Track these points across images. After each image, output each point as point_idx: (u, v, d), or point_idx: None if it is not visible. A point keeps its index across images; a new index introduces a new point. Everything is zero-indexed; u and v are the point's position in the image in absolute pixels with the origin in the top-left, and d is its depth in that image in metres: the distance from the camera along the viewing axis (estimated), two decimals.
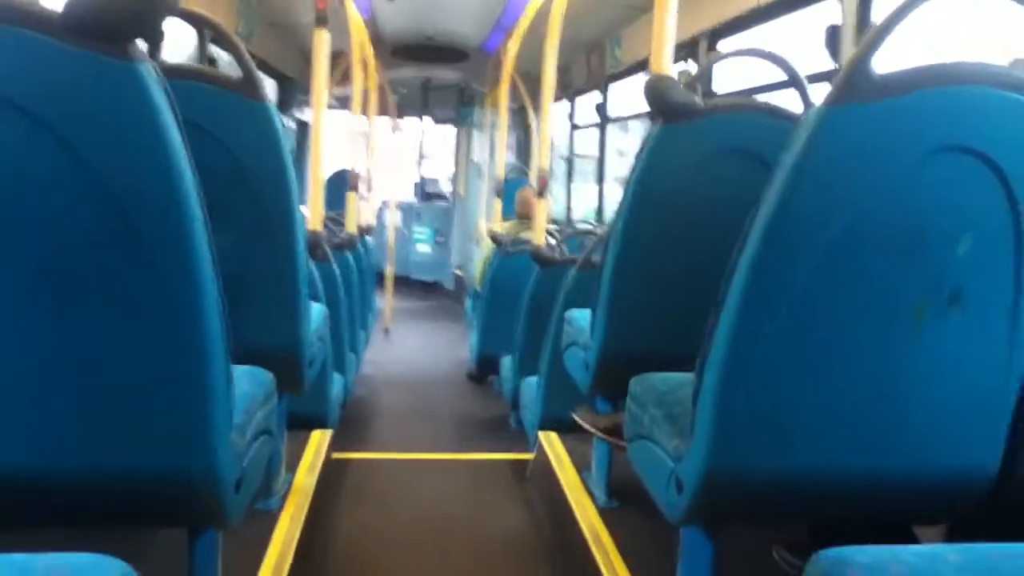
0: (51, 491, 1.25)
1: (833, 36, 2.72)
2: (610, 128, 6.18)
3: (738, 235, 1.29)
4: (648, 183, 1.98)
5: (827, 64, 2.83)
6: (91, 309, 1.16)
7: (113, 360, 1.18)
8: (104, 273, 1.14)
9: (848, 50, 2.65)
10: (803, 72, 2.02)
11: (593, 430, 2.32)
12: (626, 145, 6.50)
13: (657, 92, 1.92)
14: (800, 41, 2.98)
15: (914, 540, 1.69)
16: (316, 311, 2.47)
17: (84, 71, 1.06)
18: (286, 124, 6.46)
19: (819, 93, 1.29)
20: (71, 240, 1.12)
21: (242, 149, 1.88)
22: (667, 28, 2.07)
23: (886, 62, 1.18)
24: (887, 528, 1.61)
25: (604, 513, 2.39)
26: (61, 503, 1.29)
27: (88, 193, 1.09)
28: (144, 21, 1.06)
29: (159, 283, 1.15)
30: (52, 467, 1.22)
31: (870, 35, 1.17)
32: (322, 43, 2.93)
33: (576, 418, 2.40)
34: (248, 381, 1.60)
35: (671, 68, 2.08)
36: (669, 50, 2.07)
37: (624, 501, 2.45)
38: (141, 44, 1.09)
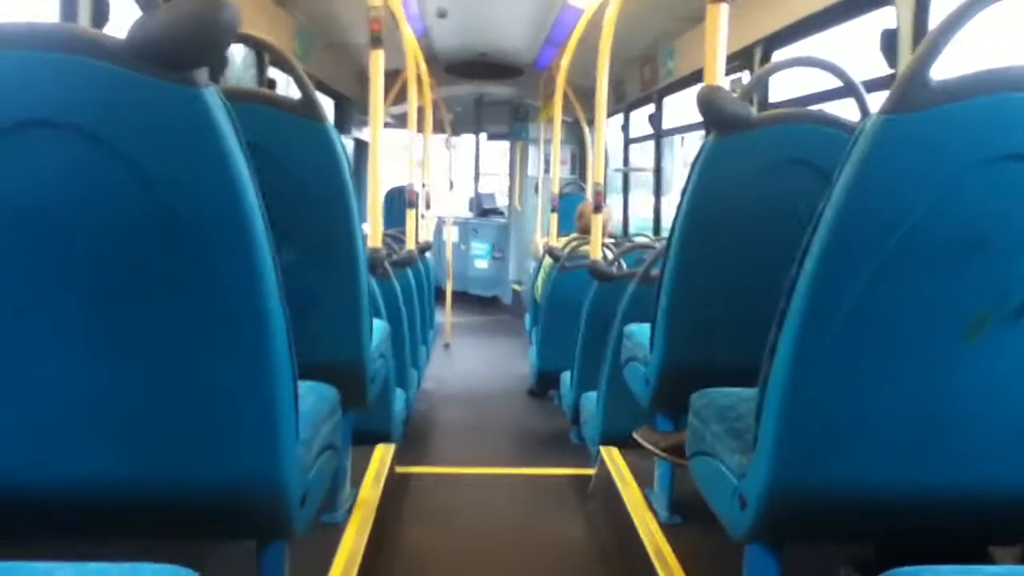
0: (123, 503, 1.28)
1: (889, 41, 2.67)
2: (675, 139, 6.13)
3: (796, 246, 1.28)
4: (703, 195, 1.97)
5: (885, 69, 2.77)
6: (160, 328, 1.19)
7: (182, 377, 1.21)
8: (171, 293, 1.17)
9: (905, 55, 2.60)
10: (861, 78, 1.99)
11: (655, 450, 2.30)
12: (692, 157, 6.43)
13: (710, 104, 1.91)
14: (860, 46, 2.93)
15: (989, 561, 1.64)
16: (378, 327, 2.51)
17: (149, 97, 1.08)
18: (344, 143, 6.58)
19: (877, 100, 1.27)
20: (138, 260, 1.15)
21: (304, 170, 1.93)
22: (719, 39, 2.06)
23: (945, 66, 1.16)
24: (960, 547, 1.57)
25: (667, 529, 2.37)
26: (132, 515, 1.32)
27: (155, 215, 1.12)
28: (208, 49, 1.08)
29: (225, 302, 1.18)
30: (123, 480, 1.25)
31: (926, 43, 1.15)
32: (378, 63, 2.98)
33: (636, 437, 2.38)
34: (313, 396, 1.63)
35: (724, 79, 2.07)
36: (721, 61, 2.06)
37: (687, 517, 2.42)
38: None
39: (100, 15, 2.51)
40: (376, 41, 2.91)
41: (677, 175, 6.23)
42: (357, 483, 2.65)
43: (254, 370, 1.23)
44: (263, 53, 4.35)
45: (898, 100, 1.16)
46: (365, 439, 2.93)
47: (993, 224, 1.20)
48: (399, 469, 3.20)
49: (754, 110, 1.96)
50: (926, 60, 1.14)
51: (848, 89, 1.98)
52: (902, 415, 1.31)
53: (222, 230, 1.15)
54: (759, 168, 1.93)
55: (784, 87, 3.87)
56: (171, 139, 1.11)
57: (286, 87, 4.84)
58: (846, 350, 1.26)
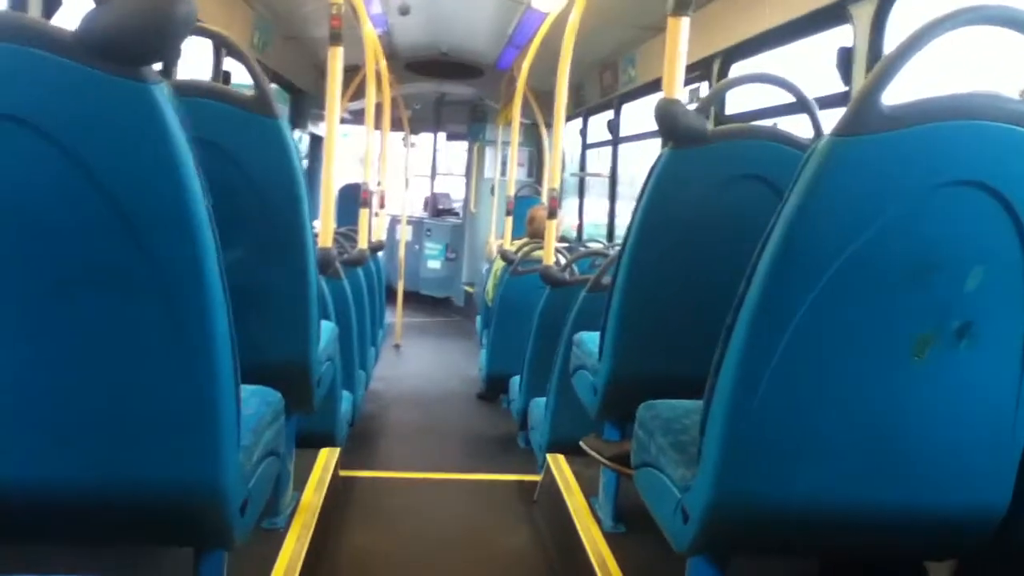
0: (57, 507, 1.25)
1: (845, 59, 2.71)
2: (633, 146, 6.15)
3: (747, 261, 1.28)
4: (657, 206, 1.97)
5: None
6: (99, 325, 1.16)
7: (120, 377, 1.19)
8: (113, 289, 1.15)
9: (860, 74, 2.64)
10: (818, 94, 2.01)
11: (600, 458, 2.30)
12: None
13: (667, 117, 1.91)
14: (820, 60, 2.97)
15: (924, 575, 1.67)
16: (326, 329, 2.47)
17: (97, 92, 1.06)
18: (298, 138, 6.49)
19: (833, 116, 1.29)
20: (79, 255, 1.13)
21: (254, 165, 1.89)
22: (679, 52, 2.07)
23: (899, 89, 1.18)
24: (898, 562, 1.59)
25: (610, 538, 2.37)
26: (67, 520, 1.29)
27: (100, 211, 1.10)
28: (161, 45, 1.06)
29: (168, 300, 1.15)
30: (58, 483, 1.22)
31: (878, 68, 1.17)
32: (336, 60, 2.94)
33: (583, 445, 2.38)
34: (257, 401, 1.60)
35: (682, 92, 2.07)
36: (680, 73, 2.06)
37: (631, 526, 2.43)
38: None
39: (52, 3, 2.44)
40: (335, 38, 2.87)
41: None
42: (300, 487, 2.60)
43: (195, 373, 1.20)
44: (219, 46, 4.27)
45: (849, 123, 1.18)
46: (309, 442, 2.88)
47: (938, 248, 1.23)
48: (343, 473, 3.15)
49: (710, 123, 1.96)
50: (878, 85, 1.16)
51: (802, 106, 2.00)
52: (845, 433, 1.32)
53: (167, 227, 1.13)
54: (713, 182, 1.94)
55: (741, 100, 3.91)
56: (118, 134, 1.09)
57: (244, 79, 4.75)
58: (791, 367, 1.27)
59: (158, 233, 1.13)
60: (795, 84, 1.99)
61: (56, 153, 1.07)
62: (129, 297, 1.15)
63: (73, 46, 1.04)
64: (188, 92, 1.81)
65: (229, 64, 4.41)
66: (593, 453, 2.31)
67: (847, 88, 2.76)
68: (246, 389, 1.43)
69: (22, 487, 1.21)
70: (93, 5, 1.05)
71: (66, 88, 1.06)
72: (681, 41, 2.07)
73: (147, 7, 1.03)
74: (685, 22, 2.07)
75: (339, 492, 2.96)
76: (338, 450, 3.04)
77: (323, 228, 3.11)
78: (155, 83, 1.08)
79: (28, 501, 1.23)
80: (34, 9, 2.40)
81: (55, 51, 1.04)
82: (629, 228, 2.04)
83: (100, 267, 1.13)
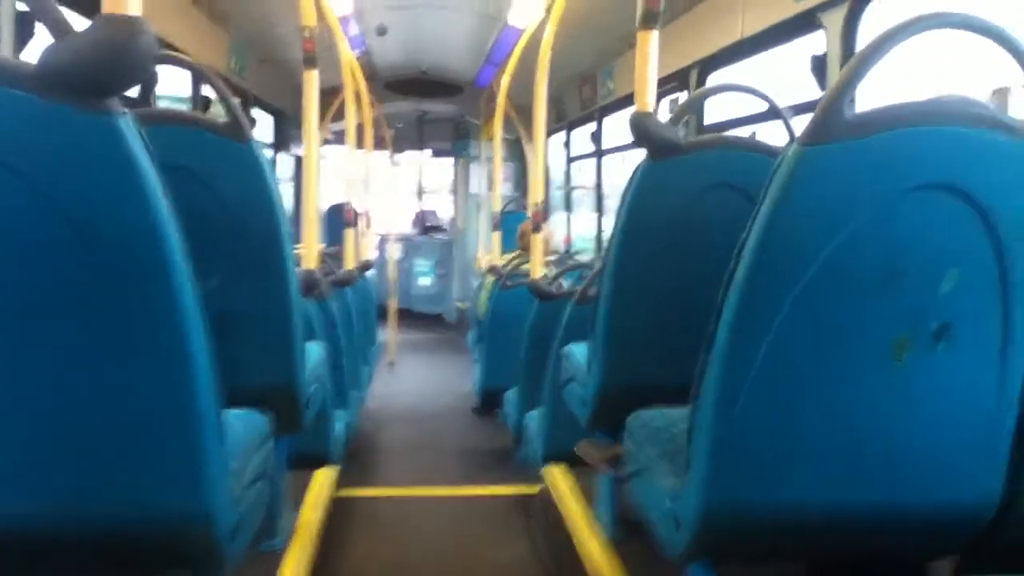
0: (45, 540, 1.25)
1: (819, 65, 2.75)
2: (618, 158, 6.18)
3: (726, 269, 1.30)
4: (637, 217, 2.00)
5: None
6: (76, 358, 1.17)
7: (100, 408, 1.19)
8: (86, 321, 1.15)
9: (834, 79, 2.68)
10: (798, 99, 2.03)
11: (594, 462, 2.31)
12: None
13: (641, 129, 1.94)
14: (800, 65, 3.00)
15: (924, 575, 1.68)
16: (313, 350, 2.47)
17: (60, 125, 1.06)
18: (280, 160, 6.48)
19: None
20: (51, 289, 1.13)
21: (229, 191, 1.89)
22: (649, 66, 2.10)
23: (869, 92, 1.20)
24: (893, 564, 1.60)
25: (609, 546, 2.38)
26: (55, 552, 1.29)
27: (69, 242, 1.10)
28: (123, 76, 1.06)
29: (142, 328, 1.16)
30: (44, 516, 1.22)
31: (842, 76, 1.19)
32: (311, 83, 2.96)
33: (577, 452, 2.39)
34: (243, 425, 1.61)
35: (655, 103, 2.10)
36: (652, 86, 2.09)
37: (630, 534, 2.44)
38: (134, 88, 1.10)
39: (24, 34, 2.45)
40: (309, 61, 2.88)
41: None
42: (298, 507, 2.60)
43: (175, 401, 1.20)
44: (194, 73, 4.29)
45: (815, 132, 1.19)
46: (305, 463, 2.88)
47: (908, 251, 1.24)
48: (341, 492, 3.16)
49: (688, 133, 1.99)
50: (842, 93, 1.18)
51: (775, 114, 2.03)
52: (829, 436, 1.34)
53: (138, 255, 1.14)
54: (690, 191, 1.96)
55: (720, 109, 3.94)
56: (83, 166, 1.10)
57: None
58: (772, 373, 1.28)
59: (129, 261, 1.13)
60: (766, 94, 2.02)
61: (23, 187, 1.07)
62: (104, 326, 1.15)
63: (35, 81, 1.05)
64: (161, 120, 1.82)
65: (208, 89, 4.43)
66: (587, 457, 2.33)
67: (824, 93, 2.79)
68: (232, 414, 1.44)
69: (8, 523, 1.22)
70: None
71: (30, 122, 1.06)
72: (651, 54, 2.10)
73: (105, 40, 1.04)
74: (654, 35, 2.10)
75: (337, 512, 2.96)
76: (335, 469, 3.05)
77: (307, 250, 3.13)
78: (118, 114, 1.08)
79: (10, 534, 1.23)
80: (5, 39, 2.41)
81: (15, 86, 1.05)
82: (611, 239, 2.07)
83: (72, 298, 1.14)
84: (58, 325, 1.15)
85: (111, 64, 1.04)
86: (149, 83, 3.34)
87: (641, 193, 1.97)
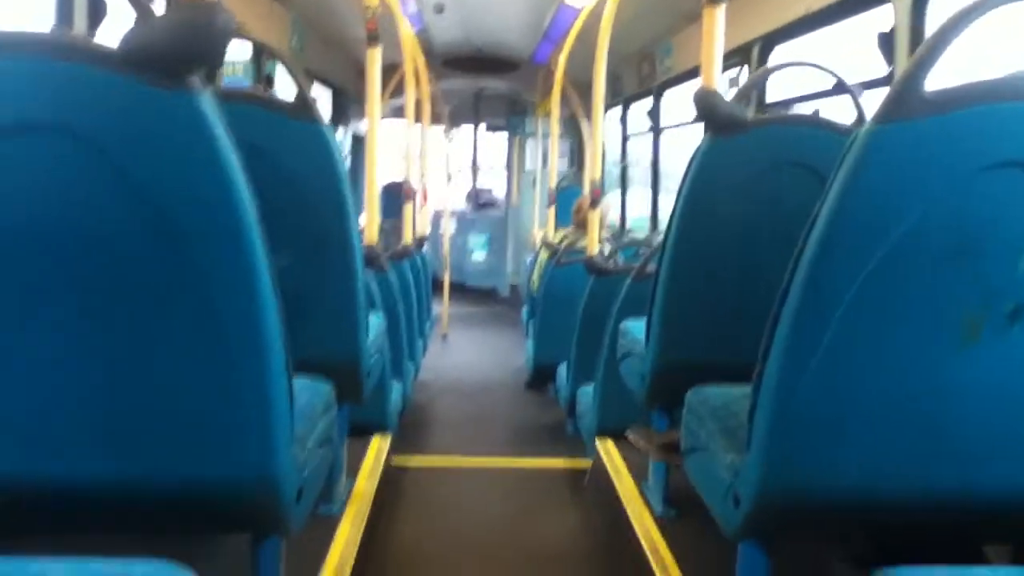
0: (118, 501, 1.30)
1: (886, 41, 2.68)
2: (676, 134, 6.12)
3: (790, 247, 1.29)
4: (699, 195, 1.99)
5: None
6: (154, 329, 1.20)
7: (177, 377, 1.23)
8: (166, 295, 1.19)
9: (902, 55, 2.62)
10: (862, 76, 2.00)
11: (647, 449, 2.32)
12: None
13: (705, 106, 1.93)
14: (862, 42, 2.93)
15: (984, 559, 1.66)
16: (374, 322, 2.53)
17: (143, 103, 1.10)
18: (340, 138, 6.57)
19: (878, 96, 1.28)
20: (132, 264, 1.17)
21: (300, 171, 1.94)
22: (716, 42, 2.08)
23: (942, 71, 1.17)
24: (953, 545, 1.58)
25: (661, 523, 2.39)
26: (127, 512, 1.34)
27: (148, 219, 1.14)
28: (202, 56, 1.10)
29: (219, 301, 1.19)
30: (118, 477, 1.27)
31: (920, 52, 1.17)
32: (374, 61, 2.99)
33: (630, 437, 2.40)
34: (309, 392, 1.65)
35: (720, 80, 2.09)
36: (718, 63, 2.07)
37: (682, 511, 2.45)
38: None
39: (96, 14, 2.52)
40: (372, 39, 2.92)
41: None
42: (353, 474, 2.67)
43: (249, 370, 1.24)
44: (262, 53, 4.36)
45: (891, 109, 1.17)
46: (362, 430, 2.95)
47: (985, 230, 1.22)
48: (395, 461, 3.22)
49: (751, 110, 1.98)
50: (919, 70, 1.16)
51: (844, 90, 2.00)
52: (895, 417, 1.32)
53: (216, 232, 1.17)
54: (754, 169, 1.95)
55: (783, 85, 3.88)
56: (165, 144, 1.13)
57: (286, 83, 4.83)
58: (838, 352, 1.27)
59: (208, 238, 1.16)
60: (833, 70, 1.99)
61: (105, 164, 1.11)
62: (181, 301, 1.19)
63: (120, 61, 1.08)
64: (233, 100, 1.87)
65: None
66: (640, 444, 2.34)
67: (891, 69, 2.73)
68: (299, 382, 1.47)
69: (82, 484, 1.26)
70: (133, 19, 1.09)
71: (113, 101, 1.10)
72: (718, 30, 2.08)
73: (187, 20, 1.07)
74: (721, 11, 2.07)
75: (391, 479, 3.02)
76: (389, 438, 3.11)
77: (368, 224, 3.18)
78: (200, 93, 1.12)
79: (88, 497, 1.28)
80: (79, 20, 2.48)
81: (101, 66, 1.08)
82: (671, 217, 2.07)
83: (150, 273, 1.17)
84: (136, 299, 1.19)
85: (193, 44, 1.08)
86: (216, 63, 3.42)
87: (704, 170, 1.96)
